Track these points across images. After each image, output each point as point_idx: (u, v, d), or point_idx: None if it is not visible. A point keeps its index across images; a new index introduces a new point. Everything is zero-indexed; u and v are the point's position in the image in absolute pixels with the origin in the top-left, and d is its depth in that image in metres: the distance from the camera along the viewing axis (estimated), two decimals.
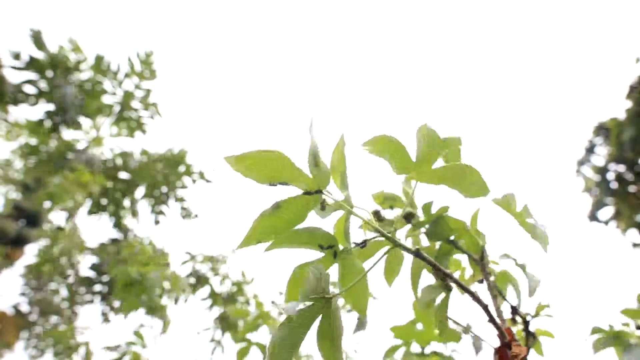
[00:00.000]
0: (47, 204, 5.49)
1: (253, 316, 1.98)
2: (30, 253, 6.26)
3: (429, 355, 1.37)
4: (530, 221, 0.77)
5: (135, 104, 6.26)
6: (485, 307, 0.66)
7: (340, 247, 0.64)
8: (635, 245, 9.22)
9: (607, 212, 9.70)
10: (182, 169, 6.13)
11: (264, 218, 0.59)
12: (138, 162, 5.98)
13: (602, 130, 10.31)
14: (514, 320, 0.81)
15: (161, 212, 6.36)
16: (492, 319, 0.66)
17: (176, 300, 3.30)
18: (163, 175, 6.05)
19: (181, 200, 6.29)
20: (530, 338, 0.79)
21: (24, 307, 5.59)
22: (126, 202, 6.02)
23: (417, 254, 0.63)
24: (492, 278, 0.80)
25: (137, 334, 2.79)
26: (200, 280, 3.08)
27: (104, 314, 5.44)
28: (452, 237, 0.80)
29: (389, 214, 0.79)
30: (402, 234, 0.84)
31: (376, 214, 0.74)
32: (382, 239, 0.64)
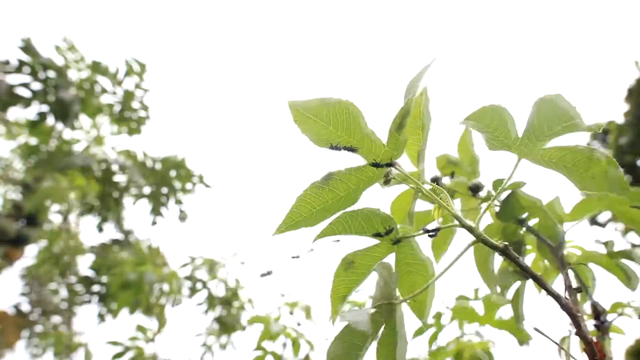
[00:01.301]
0: (39, 206, 5.42)
1: (271, 325, 1.86)
2: (30, 253, 6.19)
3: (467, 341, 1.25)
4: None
5: (135, 104, 6.22)
6: (573, 316, 0.54)
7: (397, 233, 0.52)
8: (634, 246, 9.16)
9: (606, 214, 9.65)
10: (182, 172, 6.10)
11: (311, 192, 0.46)
12: (140, 162, 5.93)
13: (600, 133, 10.28)
14: (596, 320, 0.70)
15: (160, 214, 6.33)
16: (580, 332, 0.55)
17: (174, 302, 3.22)
18: (162, 177, 6.03)
19: (179, 202, 6.27)
20: (607, 338, 0.68)
21: (25, 307, 5.53)
22: (126, 202, 5.95)
23: (504, 252, 0.50)
24: (570, 271, 0.68)
25: (140, 328, 2.70)
26: (197, 283, 3.00)
27: (101, 315, 5.38)
28: (523, 216, 0.68)
29: (447, 180, 0.67)
30: (457, 205, 0.72)
31: (435, 181, 0.61)
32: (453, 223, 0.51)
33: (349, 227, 0.49)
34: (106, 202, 5.70)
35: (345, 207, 0.49)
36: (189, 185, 6.20)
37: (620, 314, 0.75)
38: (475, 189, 0.65)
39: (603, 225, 9.60)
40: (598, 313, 0.71)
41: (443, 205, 0.50)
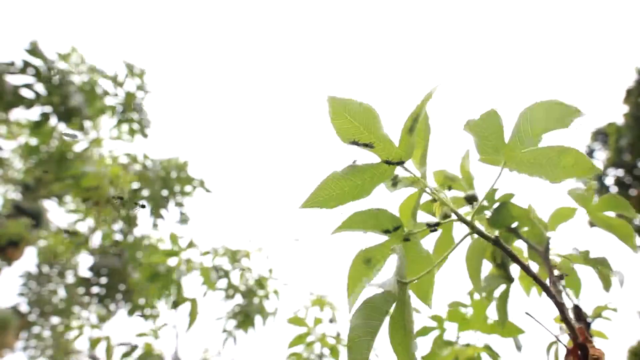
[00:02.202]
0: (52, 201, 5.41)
1: (306, 332, 1.84)
2: (30, 253, 6.19)
3: (463, 345, 1.29)
4: (609, 214, 0.72)
5: (137, 105, 6.25)
6: (560, 305, 0.61)
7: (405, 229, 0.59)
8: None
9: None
10: (182, 174, 6.14)
11: (333, 178, 0.54)
12: (141, 164, 5.97)
13: (600, 135, 10.35)
14: (578, 321, 0.77)
15: (160, 216, 6.36)
16: (565, 318, 0.61)
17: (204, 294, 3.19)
18: (162, 180, 6.07)
19: (180, 205, 6.31)
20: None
21: (24, 307, 5.53)
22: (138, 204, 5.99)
23: (496, 242, 0.58)
24: (556, 273, 0.74)
25: (143, 334, 2.72)
26: (219, 273, 2.99)
27: (100, 317, 5.39)
28: (513, 225, 0.75)
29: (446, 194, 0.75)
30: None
31: (471, 199, 0.69)
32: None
33: (363, 223, 0.57)
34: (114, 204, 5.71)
35: (358, 197, 0.55)
36: (188, 188, 6.24)
37: (596, 317, 0.81)
38: (471, 199, 0.73)
39: None
40: (581, 316, 0.77)
41: (444, 202, 0.57)
